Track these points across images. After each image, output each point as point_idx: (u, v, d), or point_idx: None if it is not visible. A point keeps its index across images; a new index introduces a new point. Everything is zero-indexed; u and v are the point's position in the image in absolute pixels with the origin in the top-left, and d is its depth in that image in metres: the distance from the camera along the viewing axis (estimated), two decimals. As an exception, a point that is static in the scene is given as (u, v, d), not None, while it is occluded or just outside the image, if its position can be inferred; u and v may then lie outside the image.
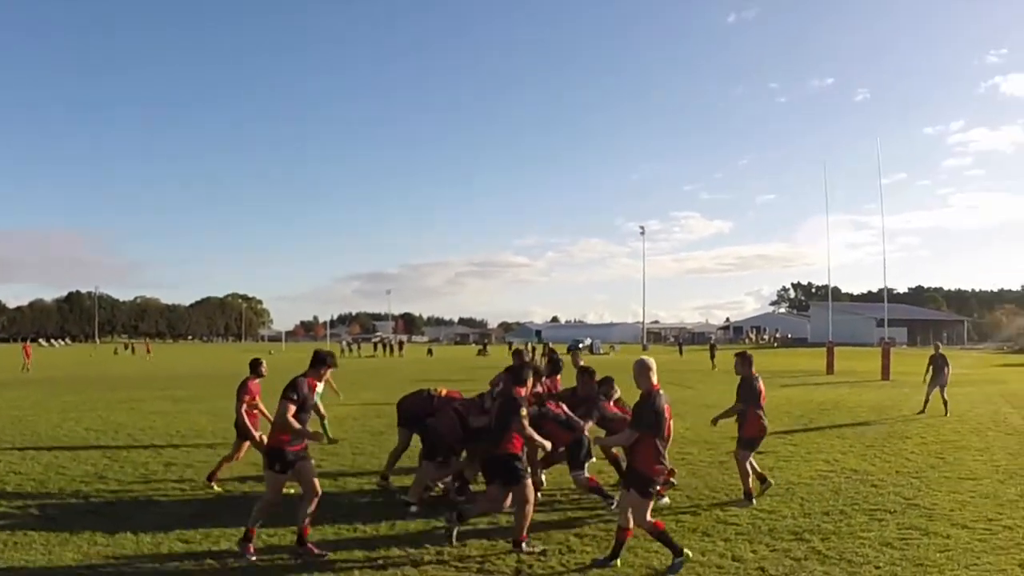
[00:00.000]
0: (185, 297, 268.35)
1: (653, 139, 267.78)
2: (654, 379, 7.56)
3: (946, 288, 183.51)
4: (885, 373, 34.97)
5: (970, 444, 15.06)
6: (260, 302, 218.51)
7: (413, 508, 9.57)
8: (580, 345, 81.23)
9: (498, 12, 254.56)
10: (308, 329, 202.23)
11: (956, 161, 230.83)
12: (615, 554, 7.48)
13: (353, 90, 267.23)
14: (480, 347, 77.65)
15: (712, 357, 45.66)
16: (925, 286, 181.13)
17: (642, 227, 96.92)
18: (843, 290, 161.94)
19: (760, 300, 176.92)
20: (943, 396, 20.23)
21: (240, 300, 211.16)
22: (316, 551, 7.77)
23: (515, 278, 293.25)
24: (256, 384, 11.54)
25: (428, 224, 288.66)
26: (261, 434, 10.63)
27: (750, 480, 10.26)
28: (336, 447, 14.65)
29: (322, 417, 15.17)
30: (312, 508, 7.86)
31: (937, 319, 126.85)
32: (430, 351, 76.85)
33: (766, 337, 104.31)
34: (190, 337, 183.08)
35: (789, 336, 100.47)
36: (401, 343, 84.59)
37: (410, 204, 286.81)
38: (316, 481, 7.93)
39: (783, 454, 13.83)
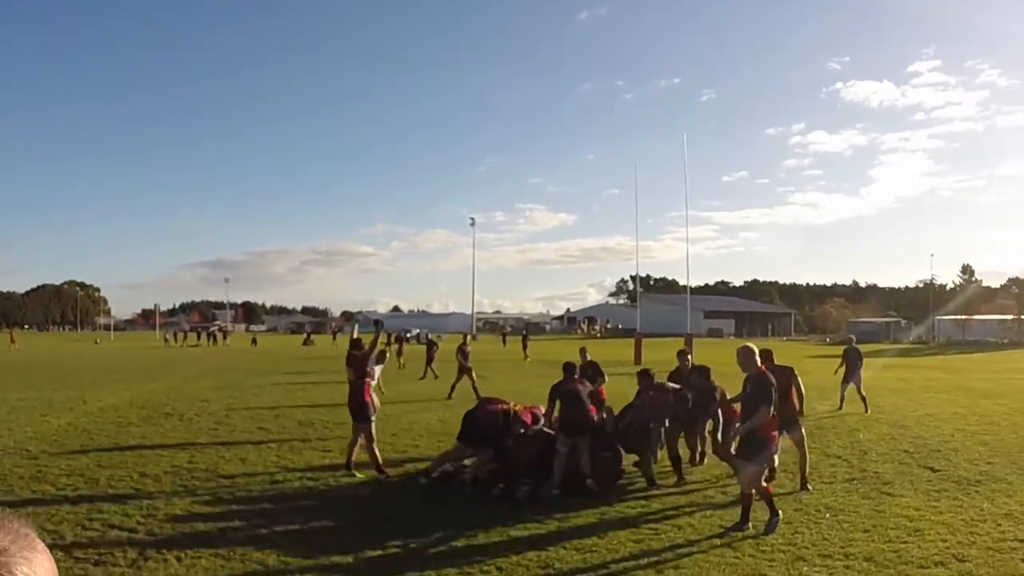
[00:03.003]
0: (22, 284, 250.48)
1: (500, 132, 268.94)
2: (758, 362, 8.73)
3: (781, 282, 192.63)
4: (637, 359, 36.08)
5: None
6: (98, 290, 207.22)
7: (423, 480, 10.71)
8: (407, 335, 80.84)
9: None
10: (148, 318, 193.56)
11: (796, 161, 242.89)
12: (745, 519, 8.34)
13: (203, 71, 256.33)
14: (305, 336, 75.59)
15: (524, 348, 45.69)
16: (760, 280, 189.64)
17: (472, 218, 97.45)
18: (680, 283, 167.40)
19: (603, 292, 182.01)
20: (860, 392, 18.80)
21: (77, 287, 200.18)
22: None
23: (360, 267, 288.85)
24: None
25: (273, 211, 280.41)
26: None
27: None
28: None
29: None
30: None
31: (765, 311, 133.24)
32: (254, 340, 74.38)
33: (597, 328, 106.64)
34: (26, 327, 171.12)
35: (620, 327, 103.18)
36: (225, 332, 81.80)
37: (255, 190, 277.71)
38: None
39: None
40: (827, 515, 9.00)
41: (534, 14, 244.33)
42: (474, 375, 23.13)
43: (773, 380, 8.55)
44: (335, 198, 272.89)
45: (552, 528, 8.59)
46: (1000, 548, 7.68)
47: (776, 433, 8.61)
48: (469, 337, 27.19)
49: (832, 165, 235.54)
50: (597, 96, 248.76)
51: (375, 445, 11.52)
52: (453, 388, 22.65)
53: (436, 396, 22.21)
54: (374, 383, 16.20)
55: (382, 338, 16.58)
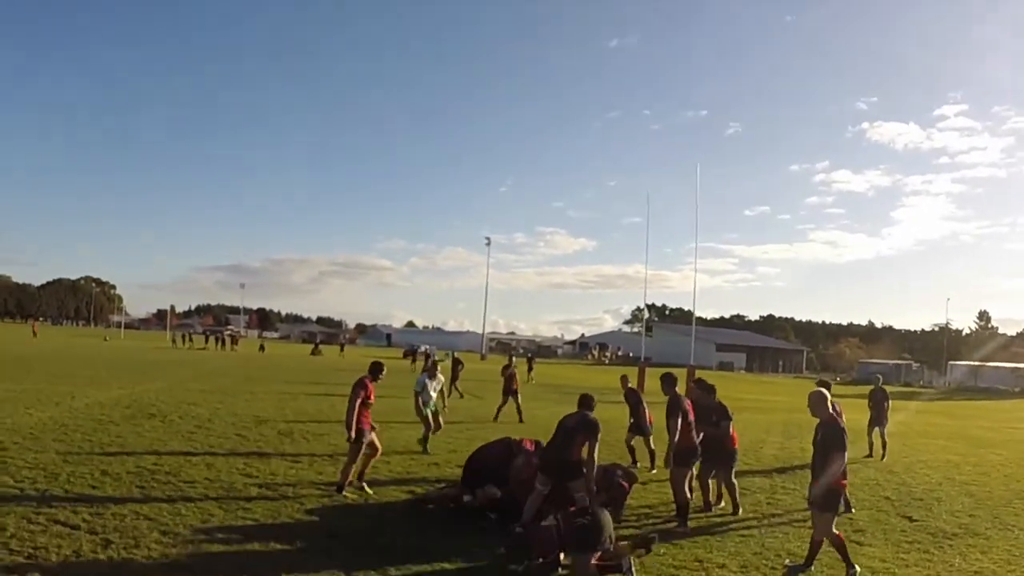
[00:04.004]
0: (38, 277, 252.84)
1: (524, 154, 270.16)
2: (829, 408, 8.48)
3: (797, 319, 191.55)
4: (640, 387, 35.30)
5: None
6: (113, 287, 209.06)
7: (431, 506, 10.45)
8: (417, 352, 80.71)
9: (370, 11, 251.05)
10: (162, 318, 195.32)
11: (818, 199, 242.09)
12: (809, 561, 8.40)
13: (222, 81, 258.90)
14: (314, 346, 75.61)
15: (530, 370, 45.56)
16: (776, 315, 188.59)
17: (488, 238, 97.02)
18: (697, 314, 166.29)
19: (619, 319, 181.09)
20: (883, 437, 17.68)
21: (93, 284, 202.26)
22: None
23: (378, 281, 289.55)
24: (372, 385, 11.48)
25: (293, 220, 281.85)
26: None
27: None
28: None
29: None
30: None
31: (777, 347, 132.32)
32: (262, 347, 74.53)
33: (608, 354, 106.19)
34: (40, 319, 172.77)
35: (631, 354, 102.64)
36: (235, 337, 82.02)
37: (276, 199, 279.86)
38: None
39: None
40: (787, 560, 8.69)
41: (565, 42, 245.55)
42: (519, 398, 22.54)
43: (844, 426, 8.42)
44: (356, 211, 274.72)
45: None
46: (960, 607, 7.32)
47: (845, 482, 8.43)
48: (515, 359, 26.94)
49: (855, 204, 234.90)
50: (623, 124, 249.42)
51: (352, 465, 11.24)
52: (499, 411, 22.26)
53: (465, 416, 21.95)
54: (433, 398, 16.11)
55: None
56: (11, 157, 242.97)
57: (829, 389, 11.76)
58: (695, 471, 11.05)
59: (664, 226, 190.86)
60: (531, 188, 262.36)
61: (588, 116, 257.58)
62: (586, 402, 9.49)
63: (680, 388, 11.25)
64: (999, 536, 10.52)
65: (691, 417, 10.60)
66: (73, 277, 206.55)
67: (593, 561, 7.55)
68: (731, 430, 11.46)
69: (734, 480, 11.38)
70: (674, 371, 12.57)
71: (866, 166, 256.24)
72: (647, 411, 14.76)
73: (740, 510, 11.14)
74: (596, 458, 9.01)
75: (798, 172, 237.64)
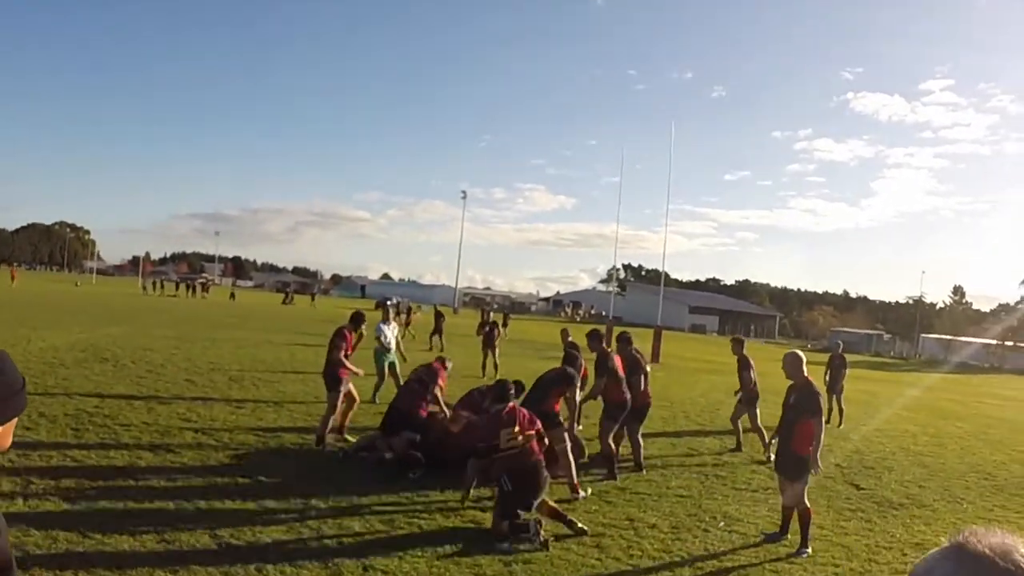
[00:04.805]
0: (12, 221, 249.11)
1: (503, 109, 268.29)
2: (805, 371, 8.06)
3: (773, 284, 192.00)
4: (655, 356, 35.13)
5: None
6: (88, 232, 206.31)
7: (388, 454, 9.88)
8: (388, 303, 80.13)
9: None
10: (137, 265, 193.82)
11: (799, 167, 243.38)
12: (784, 529, 8.12)
13: (201, 25, 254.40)
14: (284, 295, 75.06)
15: (504, 326, 45.32)
16: (752, 280, 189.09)
17: (464, 191, 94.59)
18: (672, 276, 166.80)
19: (595, 277, 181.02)
20: (839, 404, 17.65)
21: (67, 229, 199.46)
22: None
23: (355, 232, 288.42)
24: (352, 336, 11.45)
25: (271, 169, 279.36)
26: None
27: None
28: None
29: None
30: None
31: (749, 311, 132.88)
32: (232, 295, 73.97)
33: (581, 312, 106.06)
34: (15, 264, 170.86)
35: (603, 313, 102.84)
36: (205, 285, 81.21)
37: (254, 146, 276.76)
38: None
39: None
40: (721, 523, 8.51)
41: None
42: (497, 354, 22.71)
43: (819, 390, 8.03)
44: (334, 161, 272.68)
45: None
46: (892, 580, 7.12)
47: (812, 448, 7.85)
48: (491, 315, 27.26)
49: (836, 174, 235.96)
50: (607, 83, 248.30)
51: (331, 415, 11.04)
52: (484, 366, 22.31)
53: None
54: (391, 347, 15.89)
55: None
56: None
57: (742, 345, 12.11)
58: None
59: (644, 187, 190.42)
60: (511, 144, 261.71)
61: (572, 74, 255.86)
62: (570, 360, 10.63)
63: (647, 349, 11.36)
64: (946, 508, 10.36)
65: (621, 373, 10.57)
66: (46, 222, 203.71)
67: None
68: (644, 385, 11.22)
69: (640, 437, 11.13)
70: (639, 331, 12.47)
71: (849, 136, 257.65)
72: (584, 366, 14.45)
73: (644, 470, 10.88)
74: (577, 403, 10.50)
75: (780, 139, 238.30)
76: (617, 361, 10.68)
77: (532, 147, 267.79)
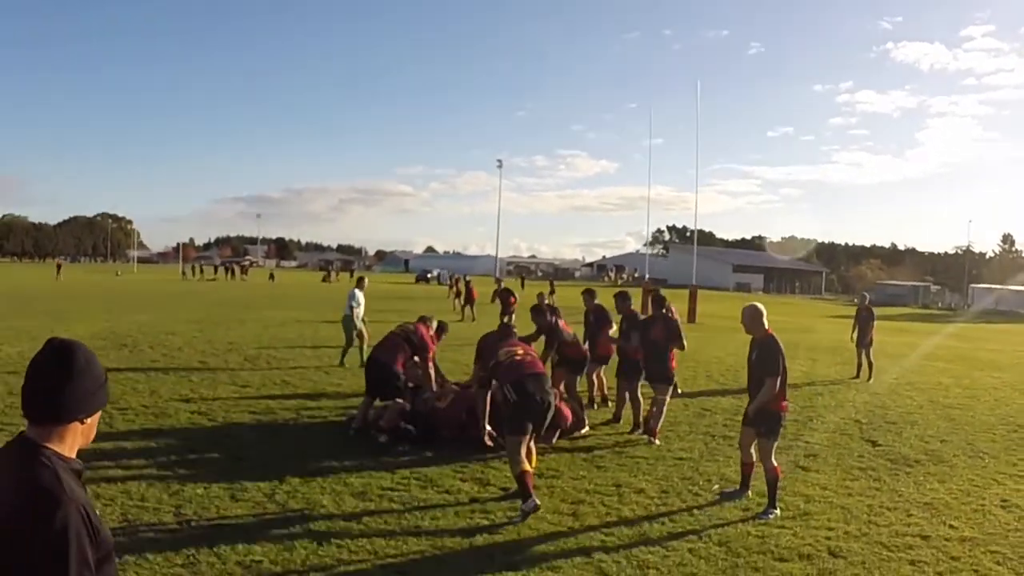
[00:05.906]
0: (55, 216, 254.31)
1: (542, 77, 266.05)
2: (766, 324, 7.66)
3: (820, 240, 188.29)
4: (643, 308, 34.64)
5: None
6: (130, 222, 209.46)
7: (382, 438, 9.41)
8: (428, 276, 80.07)
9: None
10: (180, 251, 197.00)
11: (842, 120, 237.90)
12: (745, 485, 7.85)
13: (238, 10, 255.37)
14: (325, 273, 75.47)
15: (551, 293, 44.84)
16: (798, 236, 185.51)
17: (500, 160, 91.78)
18: (717, 236, 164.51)
19: (641, 240, 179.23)
20: (868, 358, 17.30)
21: (109, 220, 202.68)
22: None
23: (398, 207, 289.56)
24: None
25: (312, 149, 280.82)
26: None
27: None
28: None
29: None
30: None
31: (795, 268, 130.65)
32: (272, 275, 74.41)
33: (625, 276, 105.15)
34: (62, 257, 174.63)
35: (647, 276, 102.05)
36: (243, 267, 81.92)
37: (295, 126, 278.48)
38: None
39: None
40: (716, 485, 8.16)
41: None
42: (513, 318, 22.60)
43: (782, 346, 7.58)
44: (375, 137, 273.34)
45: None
46: (893, 544, 6.62)
47: (786, 403, 7.63)
48: (502, 281, 27.47)
49: (879, 126, 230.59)
50: (644, 45, 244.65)
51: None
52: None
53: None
54: (360, 313, 16.00)
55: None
56: (28, 97, 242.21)
57: (594, 295, 12.51)
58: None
59: (686, 147, 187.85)
60: (550, 111, 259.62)
61: (607, 38, 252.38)
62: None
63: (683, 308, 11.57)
64: (965, 464, 9.75)
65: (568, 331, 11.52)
66: (88, 214, 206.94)
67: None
68: (603, 335, 11.92)
69: (640, 396, 10.96)
70: (678, 292, 12.68)
71: (891, 87, 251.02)
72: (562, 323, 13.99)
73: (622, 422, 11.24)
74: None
75: (821, 92, 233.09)
76: (562, 323, 11.33)
77: (571, 113, 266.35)
